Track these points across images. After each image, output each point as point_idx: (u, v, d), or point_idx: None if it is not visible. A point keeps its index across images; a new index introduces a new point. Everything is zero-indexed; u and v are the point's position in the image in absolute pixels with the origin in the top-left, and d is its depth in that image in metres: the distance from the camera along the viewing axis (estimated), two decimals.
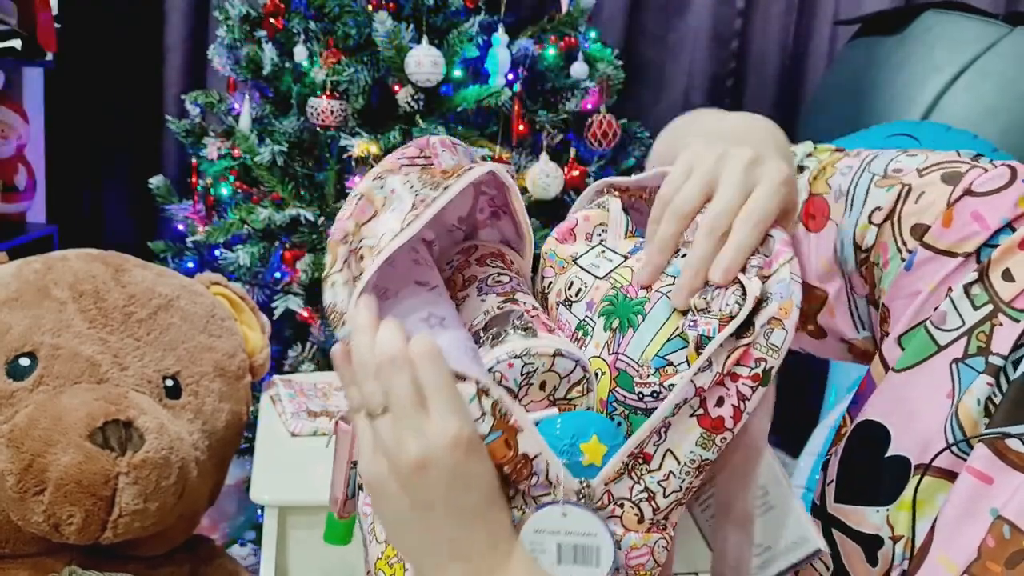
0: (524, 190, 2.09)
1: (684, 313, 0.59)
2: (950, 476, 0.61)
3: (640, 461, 0.59)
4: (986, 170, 0.65)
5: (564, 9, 2.15)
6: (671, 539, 0.62)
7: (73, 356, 0.88)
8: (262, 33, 2.09)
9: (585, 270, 0.65)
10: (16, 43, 2.39)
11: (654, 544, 0.61)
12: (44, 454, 0.81)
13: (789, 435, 2.76)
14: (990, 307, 0.62)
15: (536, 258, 0.72)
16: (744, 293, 0.56)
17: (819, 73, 2.69)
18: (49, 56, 2.50)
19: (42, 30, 2.36)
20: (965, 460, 0.60)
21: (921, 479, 0.62)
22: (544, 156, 2.09)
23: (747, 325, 0.56)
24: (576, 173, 2.15)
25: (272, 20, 2.07)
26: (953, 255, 0.64)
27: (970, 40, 1.96)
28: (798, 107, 2.73)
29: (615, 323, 0.61)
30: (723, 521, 0.67)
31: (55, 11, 2.48)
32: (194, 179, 2.20)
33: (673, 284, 0.60)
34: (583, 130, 2.18)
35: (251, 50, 2.10)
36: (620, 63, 2.25)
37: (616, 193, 0.70)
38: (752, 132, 0.71)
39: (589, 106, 2.20)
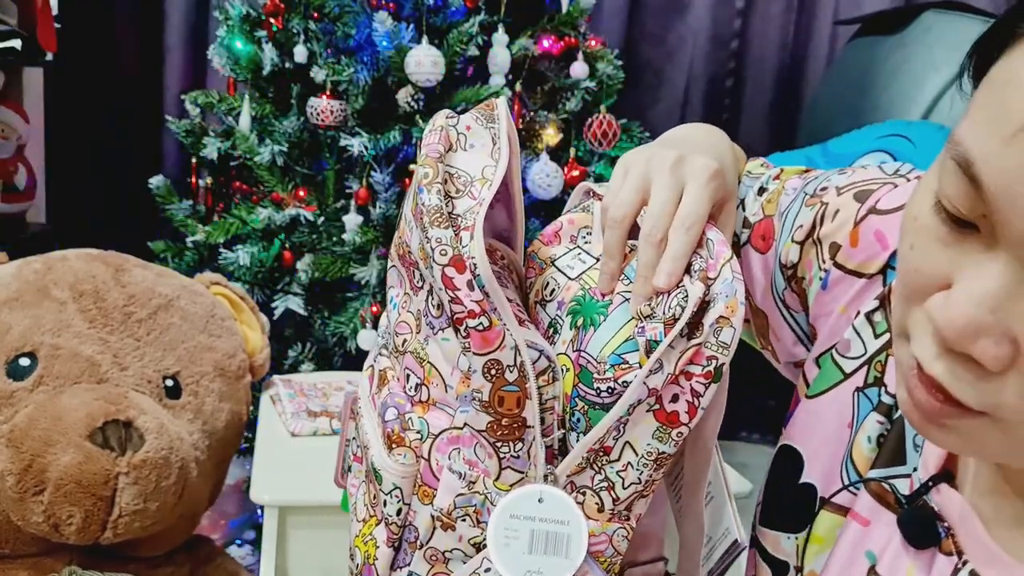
0: (524, 190, 2.09)
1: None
2: (844, 512, 0.61)
3: (600, 453, 0.61)
4: (897, 185, 0.65)
5: (564, 9, 2.14)
6: (631, 529, 0.64)
7: (73, 356, 0.88)
8: (262, 33, 2.09)
9: (560, 271, 0.68)
10: (16, 43, 2.39)
11: (613, 533, 0.63)
12: (44, 454, 0.81)
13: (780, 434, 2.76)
14: (888, 336, 0.62)
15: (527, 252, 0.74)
16: (687, 296, 0.58)
17: (819, 73, 2.69)
18: (49, 56, 2.50)
19: (42, 30, 2.36)
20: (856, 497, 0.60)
21: (818, 512, 0.62)
22: (544, 156, 2.09)
23: (696, 326, 0.58)
24: (576, 173, 2.15)
25: (272, 20, 2.07)
26: (860, 275, 0.64)
27: (970, 40, 1.95)
28: (798, 107, 2.73)
29: (580, 321, 0.63)
30: (681, 515, 0.69)
31: (55, 11, 2.48)
32: (194, 179, 2.20)
33: (631, 286, 0.62)
34: (583, 130, 2.18)
35: (251, 50, 2.10)
36: (620, 63, 2.25)
37: (599, 197, 0.71)
38: (685, 135, 0.72)
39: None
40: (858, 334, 0.63)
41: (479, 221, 0.60)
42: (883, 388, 0.61)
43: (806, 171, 0.77)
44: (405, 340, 0.68)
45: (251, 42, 2.10)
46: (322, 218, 2.04)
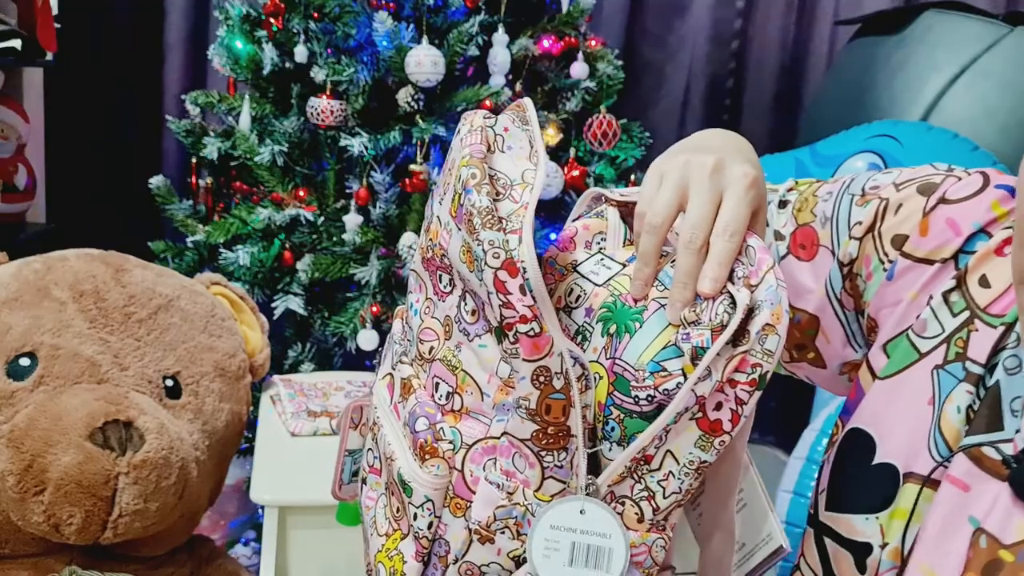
0: None
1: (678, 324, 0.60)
2: (934, 485, 0.62)
3: (642, 462, 0.60)
4: (960, 178, 0.67)
5: (564, 9, 2.14)
6: (669, 539, 0.63)
7: (73, 356, 0.88)
8: (262, 33, 2.09)
9: (584, 277, 0.66)
10: (16, 43, 2.39)
11: (652, 543, 0.62)
12: (44, 454, 0.81)
13: (784, 435, 2.76)
14: (967, 313, 0.63)
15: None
16: (732, 302, 0.58)
17: (819, 73, 2.69)
18: (49, 56, 2.50)
19: (42, 30, 2.36)
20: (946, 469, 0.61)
21: (921, 489, 0.62)
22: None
23: (741, 333, 0.58)
24: (576, 173, 2.15)
25: (272, 20, 2.07)
26: (931, 262, 0.66)
27: (970, 40, 1.96)
28: (798, 107, 2.73)
29: (612, 328, 0.62)
30: (710, 522, 0.68)
31: (55, 11, 2.47)
32: (194, 179, 2.20)
33: (666, 292, 0.62)
34: (583, 130, 2.18)
35: (251, 50, 2.10)
36: (620, 63, 2.25)
37: (613, 203, 0.71)
38: (711, 140, 0.73)
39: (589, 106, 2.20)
40: (935, 314, 0.65)
41: (527, 225, 0.59)
42: (967, 362, 0.62)
43: (820, 182, 0.79)
44: (432, 347, 0.67)
45: (251, 42, 2.10)
46: (322, 218, 2.04)
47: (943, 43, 1.98)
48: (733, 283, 0.59)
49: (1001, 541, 0.56)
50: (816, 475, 0.73)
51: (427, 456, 0.64)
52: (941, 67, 1.96)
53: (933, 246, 0.66)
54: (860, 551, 0.66)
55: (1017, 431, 0.58)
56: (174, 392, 0.92)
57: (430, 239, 0.66)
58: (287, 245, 2.05)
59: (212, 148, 2.11)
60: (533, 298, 0.58)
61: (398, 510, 0.67)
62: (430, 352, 0.67)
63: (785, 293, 0.58)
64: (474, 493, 0.63)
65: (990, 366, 0.61)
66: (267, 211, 2.01)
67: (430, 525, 0.64)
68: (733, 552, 0.67)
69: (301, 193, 2.05)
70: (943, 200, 0.66)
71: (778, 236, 0.76)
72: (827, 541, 0.68)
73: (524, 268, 0.57)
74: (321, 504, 1.37)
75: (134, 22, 2.63)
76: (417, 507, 0.64)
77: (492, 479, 0.62)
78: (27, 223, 2.58)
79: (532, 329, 0.58)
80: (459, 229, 0.61)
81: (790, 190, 0.79)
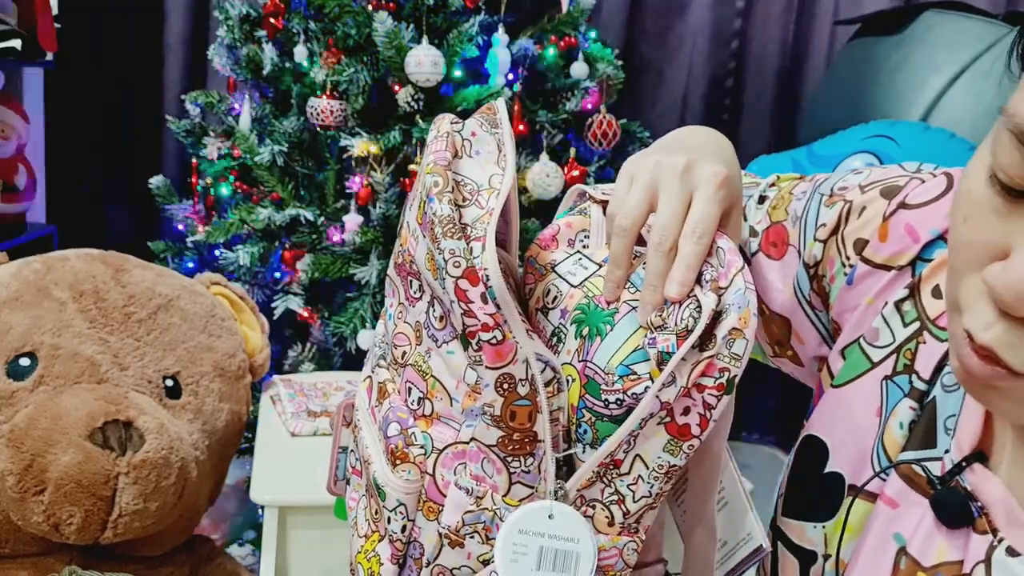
0: (524, 190, 2.09)
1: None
2: (874, 498, 0.61)
3: (611, 467, 0.60)
4: (923, 181, 0.66)
5: (564, 9, 2.14)
6: (641, 541, 0.63)
7: (73, 356, 0.88)
8: (262, 33, 2.09)
9: (561, 277, 0.66)
10: (16, 43, 2.39)
11: (623, 546, 0.62)
12: (44, 454, 0.81)
13: (785, 435, 2.76)
14: (917, 324, 0.62)
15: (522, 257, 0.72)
16: (699, 307, 0.57)
17: (819, 73, 2.69)
18: (49, 56, 2.50)
19: (42, 30, 2.36)
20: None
21: (853, 500, 0.62)
22: (544, 156, 2.09)
23: (708, 337, 0.57)
24: (576, 173, 2.15)
25: (272, 20, 2.07)
26: (888, 268, 0.65)
27: (970, 40, 1.96)
28: (798, 107, 2.73)
29: (585, 331, 0.62)
30: (693, 518, 0.69)
31: (55, 11, 2.47)
32: (194, 179, 2.20)
33: (638, 294, 0.61)
34: (583, 130, 2.18)
35: (251, 50, 2.10)
36: (620, 63, 2.25)
37: (596, 201, 0.70)
38: (688, 138, 0.72)
39: (589, 106, 2.20)
40: (887, 323, 0.64)
41: (491, 232, 0.58)
42: (913, 375, 0.61)
43: (801, 178, 0.77)
44: (404, 352, 0.67)
45: (251, 42, 2.10)
46: (322, 218, 2.04)
47: (943, 43, 1.98)
48: (701, 286, 0.59)
49: (921, 563, 0.56)
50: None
51: (398, 461, 0.64)
52: (941, 67, 1.96)
53: (891, 252, 0.65)
54: (806, 558, 0.65)
55: (946, 451, 0.58)
56: (174, 392, 0.92)
57: (401, 244, 0.66)
58: (287, 245, 2.05)
59: (212, 148, 2.11)
60: (496, 306, 0.57)
61: (376, 512, 0.67)
62: (403, 357, 0.67)
63: (754, 296, 0.57)
64: (445, 497, 0.63)
65: (933, 382, 0.61)
66: (267, 211, 2.01)
67: (403, 528, 0.65)
68: (715, 549, 0.67)
69: (301, 193, 2.05)
70: (903, 205, 0.65)
71: (752, 232, 0.74)
72: (779, 545, 0.68)
73: (487, 276, 0.57)
74: (321, 504, 1.37)
75: (134, 22, 2.63)
76: (390, 511, 0.64)
77: (462, 484, 0.62)
78: (27, 223, 2.58)
79: (495, 337, 0.57)
80: (424, 236, 0.60)
81: (772, 186, 0.78)
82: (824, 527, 0.64)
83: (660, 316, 0.59)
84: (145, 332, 0.93)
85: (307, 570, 1.43)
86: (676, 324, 0.58)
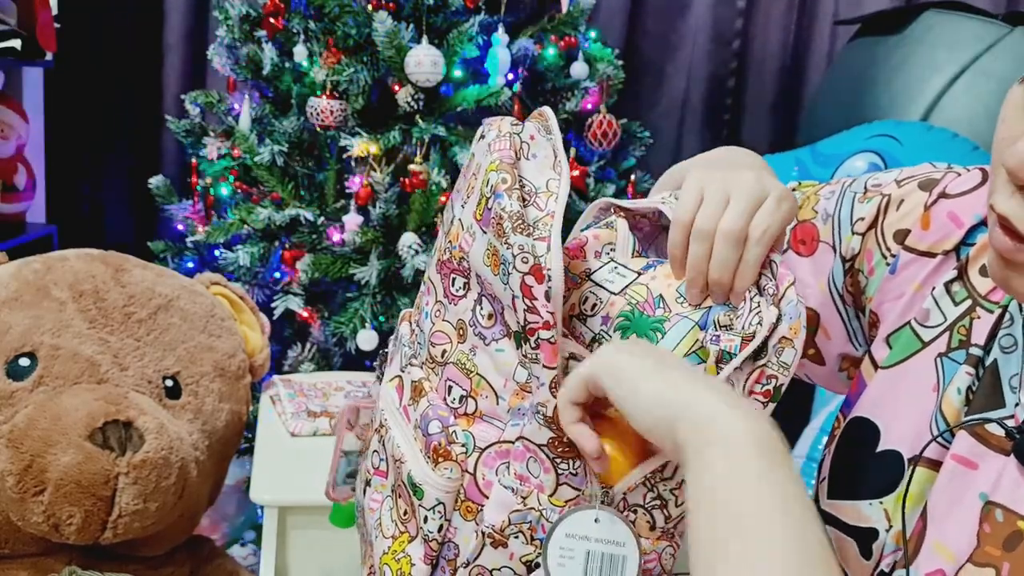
0: None
1: (702, 329, 0.61)
2: (936, 466, 0.63)
3: (657, 471, 0.61)
4: (959, 174, 0.70)
5: (564, 9, 2.14)
6: (678, 547, 0.64)
7: (73, 356, 0.88)
8: (262, 33, 2.09)
9: (599, 285, 0.67)
10: (16, 43, 2.39)
11: (662, 551, 0.63)
12: (44, 454, 0.81)
13: (785, 435, 2.76)
14: (969, 302, 0.65)
15: None
16: (761, 316, 0.59)
17: (819, 73, 2.69)
18: (49, 56, 2.50)
19: (42, 30, 2.36)
20: (948, 449, 0.62)
21: (914, 470, 0.63)
22: None
23: (761, 347, 0.59)
24: (576, 173, 2.15)
25: (272, 20, 2.07)
26: (932, 255, 0.68)
27: (970, 40, 1.96)
28: (798, 107, 2.72)
29: (631, 338, 0.63)
30: None
31: (55, 11, 2.47)
32: (194, 179, 2.20)
33: (686, 305, 0.63)
34: (583, 130, 2.18)
35: (251, 50, 2.09)
36: (620, 63, 2.25)
37: (621, 213, 0.71)
38: (739, 157, 0.76)
39: (589, 106, 2.20)
40: (937, 304, 0.67)
41: (555, 233, 0.59)
42: (969, 348, 0.64)
43: (822, 185, 0.81)
44: (444, 351, 0.67)
45: (251, 42, 2.10)
46: (322, 218, 2.04)
47: (943, 43, 1.98)
48: (762, 295, 0.61)
49: (1018, 512, 0.57)
50: (816, 468, 0.74)
51: (440, 459, 0.64)
52: (941, 67, 1.96)
53: (935, 239, 0.68)
54: (865, 537, 0.66)
55: (1017, 404, 0.60)
56: (174, 392, 0.92)
57: (449, 241, 0.67)
58: (287, 245, 2.05)
59: (212, 148, 2.11)
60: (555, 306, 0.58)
61: (406, 512, 0.67)
62: (443, 355, 0.67)
63: (804, 309, 0.60)
64: (486, 497, 0.63)
65: (988, 348, 0.63)
66: (267, 211, 2.01)
67: (440, 528, 0.65)
68: None
69: (301, 193, 2.05)
70: (944, 195, 0.68)
71: None
72: (830, 529, 0.69)
73: (550, 275, 0.58)
74: (321, 504, 1.36)
75: (134, 22, 2.63)
76: (428, 510, 0.64)
77: (506, 483, 0.62)
78: (27, 223, 2.58)
79: (553, 336, 0.59)
80: (484, 233, 0.61)
81: (793, 190, 0.81)
82: (883, 502, 0.65)
83: (728, 316, 0.61)
84: (145, 332, 0.93)
85: (307, 570, 1.43)
86: (744, 328, 0.59)
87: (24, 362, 0.87)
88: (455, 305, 0.66)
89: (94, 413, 0.83)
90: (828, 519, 0.69)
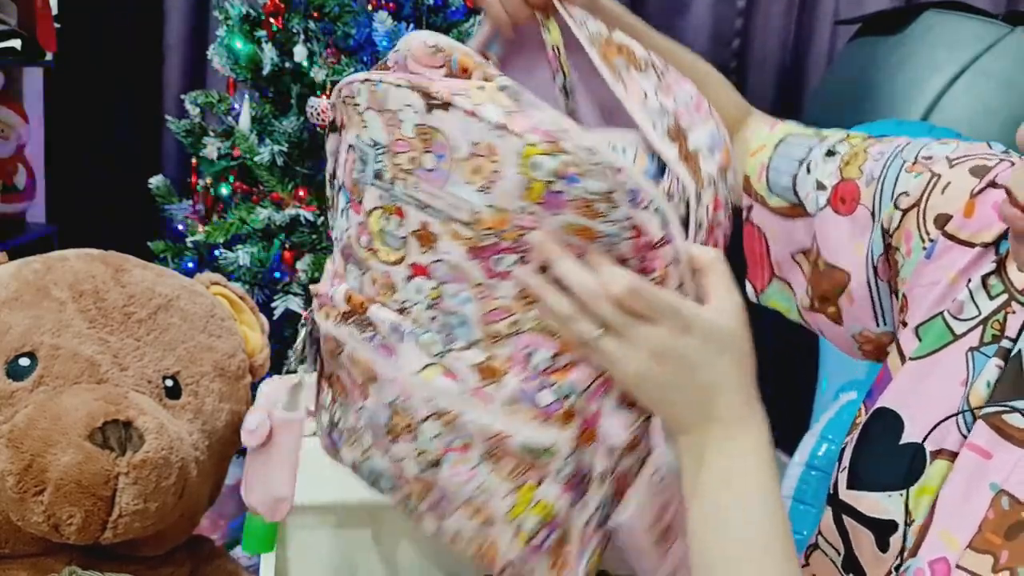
0: None
1: None
2: (955, 458, 0.62)
3: None
4: (1013, 163, 0.67)
5: None
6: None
7: (73, 356, 0.88)
8: (262, 33, 2.09)
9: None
10: (16, 43, 2.39)
11: None
12: (44, 454, 0.81)
13: (784, 435, 2.76)
14: (1005, 296, 0.63)
15: None
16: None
17: (819, 73, 2.69)
18: (49, 56, 2.50)
19: (42, 30, 2.36)
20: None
21: (933, 462, 0.63)
22: None
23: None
24: None
25: (272, 20, 2.06)
26: (972, 245, 0.66)
27: (970, 40, 1.96)
28: (798, 107, 2.72)
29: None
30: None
31: (55, 11, 2.47)
32: (194, 179, 2.20)
33: None
34: None
35: (251, 50, 2.09)
36: None
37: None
38: None
39: None
40: (972, 297, 0.65)
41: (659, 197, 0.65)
42: (1002, 342, 0.63)
43: (871, 137, 0.78)
44: (511, 322, 0.68)
45: (251, 42, 2.10)
46: (322, 218, 2.03)
47: (943, 43, 1.98)
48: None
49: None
50: (838, 456, 0.73)
51: (568, 419, 0.68)
52: (941, 67, 1.96)
53: (976, 229, 0.66)
54: (882, 529, 0.65)
55: None
56: (174, 392, 0.92)
57: (488, 228, 0.66)
58: (287, 245, 2.05)
59: (212, 148, 2.10)
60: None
61: (516, 468, 0.70)
62: (510, 327, 0.69)
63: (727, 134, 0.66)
64: (599, 428, 0.68)
65: (1018, 339, 0.62)
66: (267, 211, 2.01)
67: (575, 469, 0.69)
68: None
69: (301, 193, 2.05)
70: (993, 184, 0.66)
71: (819, 186, 0.75)
72: (846, 520, 0.68)
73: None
74: (321, 504, 1.37)
75: (134, 22, 2.63)
76: (563, 460, 0.68)
77: (611, 408, 0.68)
78: (27, 223, 2.58)
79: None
80: (555, 214, 0.63)
81: (841, 141, 0.78)
82: (903, 494, 0.64)
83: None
84: (145, 332, 0.93)
85: (307, 570, 1.43)
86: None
87: (24, 362, 0.87)
88: (505, 280, 0.68)
89: (94, 413, 0.83)
90: (846, 510, 0.69)
